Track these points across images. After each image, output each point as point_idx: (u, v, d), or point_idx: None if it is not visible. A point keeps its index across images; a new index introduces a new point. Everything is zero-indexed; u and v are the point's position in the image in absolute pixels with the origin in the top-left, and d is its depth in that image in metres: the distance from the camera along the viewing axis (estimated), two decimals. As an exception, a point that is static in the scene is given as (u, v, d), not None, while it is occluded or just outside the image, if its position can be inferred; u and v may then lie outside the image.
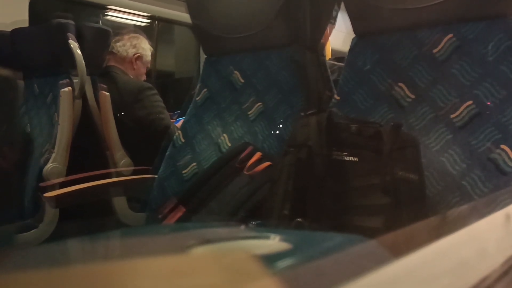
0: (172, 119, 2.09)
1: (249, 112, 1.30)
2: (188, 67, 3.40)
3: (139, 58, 2.03)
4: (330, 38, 1.44)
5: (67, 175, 1.54)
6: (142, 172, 1.57)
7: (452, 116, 0.95)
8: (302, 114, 1.03)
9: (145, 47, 2.06)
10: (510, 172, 0.86)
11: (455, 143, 0.93)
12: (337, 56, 2.60)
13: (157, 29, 2.94)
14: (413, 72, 1.03)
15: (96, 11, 2.77)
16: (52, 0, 2.59)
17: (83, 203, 1.39)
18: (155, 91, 1.90)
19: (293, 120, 1.18)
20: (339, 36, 1.98)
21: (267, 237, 0.56)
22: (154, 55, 2.16)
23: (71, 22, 1.66)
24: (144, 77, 2.10)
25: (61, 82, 1.62)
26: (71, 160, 1.56)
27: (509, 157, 0.87)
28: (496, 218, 0.43)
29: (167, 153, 1.44)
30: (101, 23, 2.64)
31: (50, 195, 1.33)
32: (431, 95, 0.99)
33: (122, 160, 1.69)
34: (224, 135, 1.33)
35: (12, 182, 1.57)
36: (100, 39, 1.78)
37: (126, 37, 2.02)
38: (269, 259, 0.45)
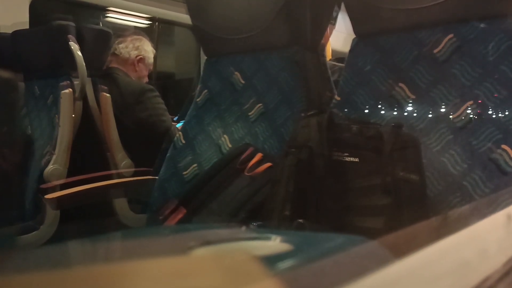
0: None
1: (249, 113, 1.30)
2: (188, 68, 3.40)
3: (141, 60, 2.03)
4: (330, 38, 1.44)
5: (68, 176, 1.54)
6: (143, 174, 1.57)
7: (452, 116, 0.95)
8: (303, 114, 1.03)
9: (148, 49, 2.07)
10: (511, 172, 0.86)
11: (456, 143, 0.93)
12: (338, 57, 2.60)
13: (158, 31, 2.94)
14: (413, 72, 1.03)
15: (97, 13, 2.77)
16: (52, 1, 2.59)
17: (84, 205, 1.39)
18: (156, 93, 1.90)
19: (294, 121, 1.18)
20: (340, 36, 1.98)
21: (268, 238, 0.56)
22: (154, 56, 2.16)
23: (72, 23, 1.66)
24: (146, 79, 2.11)
25: (61, 83, 1.62)
26: (72, 161, 1.56)
27: (510, 157, 0.87)
28: (497, 219, 0.43)
29: (168, 154, 1.44)
30: (101, 25, 2.64)
31: (51, 197, 1.33)
32: (432, 95, 0.99)
33: (123, 161, 1.69)
34: (225, 136, 1.33)
35: (13, 184, 1.57)
36: (101, 41, 1.78)
37: (128, 39, 2.02)
38: (270, 260, 0.45)
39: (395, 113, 1.04)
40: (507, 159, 0.87)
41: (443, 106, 0.97)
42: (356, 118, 1.07)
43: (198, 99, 1.43)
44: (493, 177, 0.87)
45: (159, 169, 1.44)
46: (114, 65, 1.96)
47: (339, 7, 1.24)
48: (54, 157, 1.54)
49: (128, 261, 0.44)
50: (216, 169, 1.25)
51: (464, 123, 0.93)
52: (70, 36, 1.63)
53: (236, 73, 1.36)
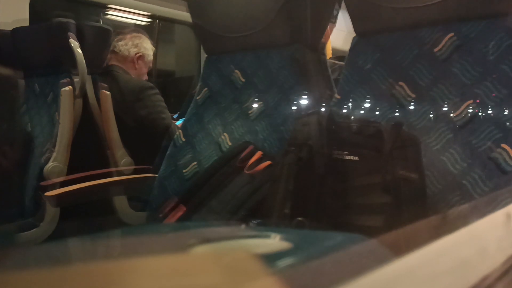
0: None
1: (249, 111, 1.30)
2: (188, 66, 3.40)
3: (141, 57, 2.03)
4: (330, 37, 1.44)
5: (67, 174, 1.54)
6: (143, 171, 1.57)
7: (452, 115, 0.95)
8: (303, 113, 1.03)
9: (147, 47, 2.06)
10: (510, 171, 0.86)
11: (456, 142, 0.93)
12: (338, 55, 2.60)
13: (158, 28, 2.94)
14: (413, 71, 1.03)
15: (97, 10, 2.76)
16: (52, -1, 2.59)
17: (84, 202, 1.39)
18: (156, 91, 1.90)
19: (294, 119, 1.18)
20: (340, 35, 1.98)
21: (268, 236, 0.56)
22: (154, 54, 2.16)
23: (72, 21, 1.66)
24: (145, 77, 2.10)
25: (61, 81, 1.62)
26: (71, 159, 1.56)
27: (509, 156, 0.87)
28: (496, 217, 0.43)
29: (168, 152, 1.44)
30: (101, 22, 2.64)
31: (51, 194, 1.33)
32: (432, 94, 0.99)
33: (122, 159, 1.69)
34: (225, 134, 1.33)
35: (13, 181, 1.57)
36: (101, 38, 1.78)
37: (128, 36, 2.02)
38: (270, 258, 0.45)
39: (395, 111, 1.04)
40: (507, 158, 0.87)
41: (443, 105, 0.97)
42: (356, 116, 1.07)
43: (198, 97, 1.43)
44: (493, 176, 0.87)
45: (159, 166, 1.44)
46: (113, 62, 1.96)
47: (340, 6, 1.24)
48: (54, 154, 1.54)
49: (127, 258, 0.44)
50: (216, 167, 1.25)
51: (464, 122, 0.93)
52: (70, 33, 1.63)
53: (236, 71, 1.36)
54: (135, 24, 2.85)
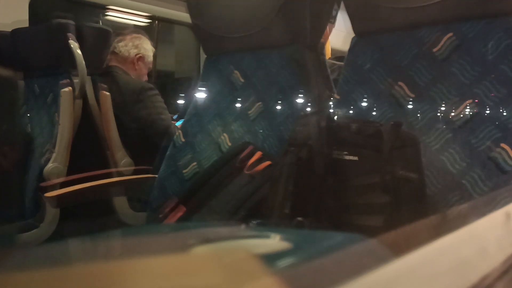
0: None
1: (249, 112, 1.30)
2: (188, 67, 3.40)
3: (141, 58, 2.03)
4: (330, 37, 1.44)
5: (67, 175, 1.54)
6: (143, 172, 1.57)
7: (452, 115, 0.95)
8: (302, 113, 1.03)
9: (147, 48, 2.06)
10: (510, 170, 0.86)
11: (455, 142, 0.93)
12: (337, 55, 2.60)
13: (157, 29, 2.94)
14: (413, 71, 1.03)
15: (96, 11, 2.76)
16: (52, 0, 2.59)
17: (84, 203, 1.39)
18: (156, 92, 1.90)
19: (293, 119, 1.18)
20: (339, 35, 1.98)
21: (268, 236, 0.56)
22: (154, 55, 2.16)
23: (71, 22, 1.66)
24: (145, 78, 2.10)
25: (61, 82, 1.62)
26: (71, 160, 1.57)
27: (509, 156, 0.87)
28: (496, 217, 0.43)
29: (168, 152, 1.44)
30: (101, 23, 2.64)
31: (51, 195, 1.33)
32: (431, 94, 0.99)
33: (122, 160, 1.69)
34: (225, 134, 1.33)
35: (13, 182, 1.57)
36: (101, 39, 1.78)
37: (128, 37, 2.02)
38: (270, 258, 0.45)
39: (394, 111, 1.04)
40: (506, 158, 0.87)
41: (442, 105, 0.97)
42: (356, 116, 1.07)
43: (197, 98, 1.44)
44: (492, 175, 0.88)
45: (158, 167, 1.44)
46: (113, 63, 1.96)
47: (339, 6, 1.24)
48: (54, 155, 1.55)
49: (128, 259, 0.44)
50: (216, 168, 1.25)
51: (463, 122, 0.93)
52: (69, 34, 1.63)
53: (236, 71, 1.36)
54: (135, 25, 2.85)
